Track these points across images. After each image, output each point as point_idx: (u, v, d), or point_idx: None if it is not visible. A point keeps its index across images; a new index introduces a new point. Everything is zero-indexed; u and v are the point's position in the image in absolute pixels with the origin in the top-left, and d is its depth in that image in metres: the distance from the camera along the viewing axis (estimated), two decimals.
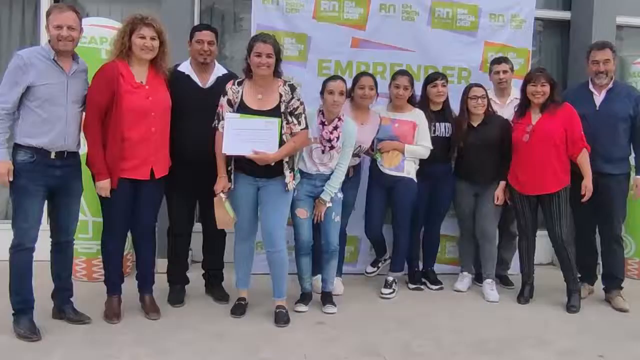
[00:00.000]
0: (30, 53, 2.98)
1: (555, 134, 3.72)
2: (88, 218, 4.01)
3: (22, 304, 3.06)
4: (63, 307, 3.30)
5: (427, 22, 4.44)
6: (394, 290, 4.03)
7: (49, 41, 3.02)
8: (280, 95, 3.27)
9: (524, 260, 4.01)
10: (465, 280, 4.26)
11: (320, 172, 3.57)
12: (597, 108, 3.88)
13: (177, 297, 3.71)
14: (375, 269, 4.23)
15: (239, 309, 3.51)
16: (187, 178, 3.49)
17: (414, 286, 4.20)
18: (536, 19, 4.85)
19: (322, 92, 3.57)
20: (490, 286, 4.07)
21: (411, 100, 3.99)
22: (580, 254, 4.01)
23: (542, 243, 4.20)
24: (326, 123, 3.53)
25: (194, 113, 3.40)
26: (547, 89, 3.75)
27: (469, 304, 3.95)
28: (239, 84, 3.29)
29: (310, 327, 3.39)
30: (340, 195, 3.64)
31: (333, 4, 4.32)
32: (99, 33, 3.94)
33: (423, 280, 4.27)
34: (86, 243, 4.02)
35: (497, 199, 4.01)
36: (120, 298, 3.42)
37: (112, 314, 3.34)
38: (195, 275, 3.90)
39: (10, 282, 3.06)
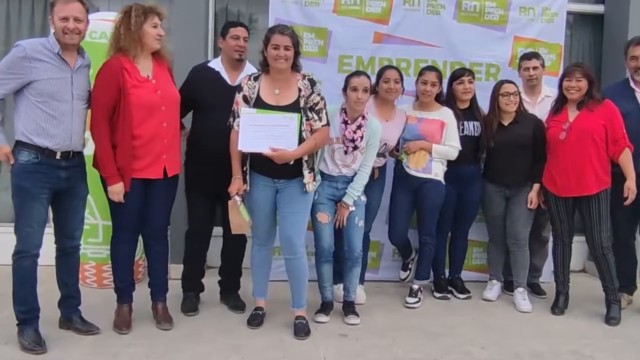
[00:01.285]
0: (32, 45, 2.78)
1: (594, 132, 3.49)
2: (98, 221, 3.84)
3: (27, 313, 2.90)
4: (70, 316, 3.12)
5: (454, 15, 4.22)
6: (420, 299, 3.82)
7: (54, 33, 2.83)
8: (299, 90, 3.08)
9: (558, 267, 3.78)
10: (494, 288, 4.03)
11: (342, 174, 3.38)
12: None
13: (191, 305, 3.53)
14: (408, 272, 4.04)
15: (256, 319, 3.32)
16: (209, 177, 3.33)
17: (440, 295, 3.98)
18: (568, 12, 4.62)
19: (344, 89, 3.38)
20: (522, 295, 3.84)
21: (439, 98, 3.79)
22: (619, 261, 3.74)
23: (574, 248, 3.90)
24: (349, 122, 3.33)
25: (220, 111, 3.23)
26: (582, 84, 3.53)
27: (500, 315, 3.72)
28: (255, 79, 3.10)
29: (332, 339, 3.19)
30: (363, 198, 3.44)
31: None
32: (100, 28, 3.76)
33: (450, 288, 4.05)
34: (96, 248, 3.86)
35: (531, 202, 3.77)
36: (131, 306, 3.24)
37: (122, 323, 3.16)
38: (211, 281, 3.72)
39: (14, 291, 2.89)
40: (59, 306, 3.15)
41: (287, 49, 2.98)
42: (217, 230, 3.71)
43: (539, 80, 4.02)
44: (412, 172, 3.69)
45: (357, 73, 3.44)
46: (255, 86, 3.07)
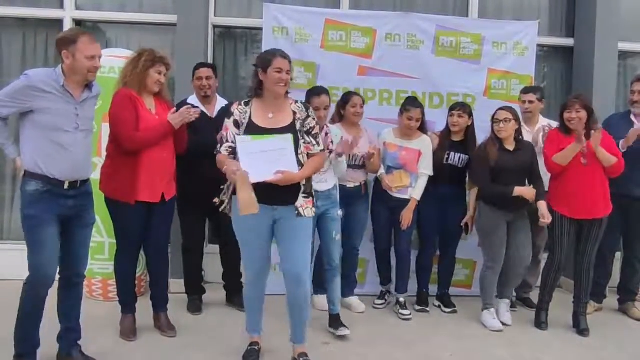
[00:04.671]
0: (38, 76, 2.79)
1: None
2: (105, 239, 4.17)
3: (26, 348, 2.87)
4: (70, 351, 3.04)
5: (432, 50, 4.58)
6: (410, 312, 4.11)
7: (62, 67, 2.84)
8: (294, 113, 3.01)
9: (547, 289, 3.95)
10: (494, 314, 3.98)
11: (317, 190, 3.46)
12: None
13: (196, 306, 4.04)
14: (383, 301, 4.33)
15: (252, 355, 3.20)
16: (201, 197, 3.62)
17: (419, 307, 4.26)
18: (541, 45, 5.00)
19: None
20: (506, 307, 4.08)
21: (421, 127, 4.12)
22: (597, 276, 4.08)
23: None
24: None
25: (204, 140, 3.57)
26: (582, 114, 3.76)
27: (476, 326, 4.01)
28: (246, 104, 3.02)
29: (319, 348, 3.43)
30: (340, 213, 3.72)
31: (340, 34, 4.49)
32: (118, 64, 4.14)
33: (438, 303, 4.33)
34: (102, 264, 4.18)
35: (545, 218, 3.76)
36: (134, 317, 3.55)
37: (128, 331, 3.48)
38: (208, 295, 4.05)
39: (18, 322, 2.85)
40: (58, 340, 3.06)
41: (288, 74, 2.96)
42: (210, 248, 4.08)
43: (535, 113, 4.31)
44: (393, 194, 4.07)
45: (317, 92, 3.75)
46: (246, 111, 2.98)
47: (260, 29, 4.53)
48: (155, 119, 3.38)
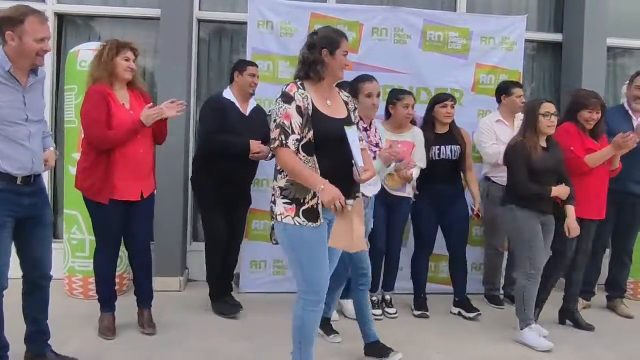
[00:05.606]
0: None
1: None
2: (85, 237, 4.07)
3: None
4: (43, 351, 2.91)
5: (419, 45, 4.54)
6: (397, 310, 4.04)
7: (3, 48, 2.56)
8: (346, 104, 2.73)
9: (547, 289, 3.76)
10: (538, 331, 3.60)
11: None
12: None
13: (229, 306, 3.90)
14: (381, 312, 4.00)
15: None
16: (224, 196, 3.78)
17: (419, 313, 4.05)
18: (529, 41, 4.98)
19: (355, 95, 3.28)
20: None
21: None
22: (586, 273, 4.06)
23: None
24: (369, 128, 3.45)
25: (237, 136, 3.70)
26: (599, 116, 3.71)
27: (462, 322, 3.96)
28: (302, 87, 2.56)
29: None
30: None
31: None
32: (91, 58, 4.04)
33: (458, 310, 4.08)
34: (83, 262, 4.08)
35: (572, 230, 3.55)
36: (114, 315, 3.48)
37: (107, 330, 3.40)
38: (194, 293, 3.97)
39: None
40: (26, 342, 2.90)
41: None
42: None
43: None
44: (393, 192, 3.84)
45: (369, 78, 3.42)
46: (307, 96, 2.53)
47: (246, 23, 4.46)
48: (130, 114, 3.27)
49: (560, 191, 3.50)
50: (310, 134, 2.49)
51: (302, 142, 2.49)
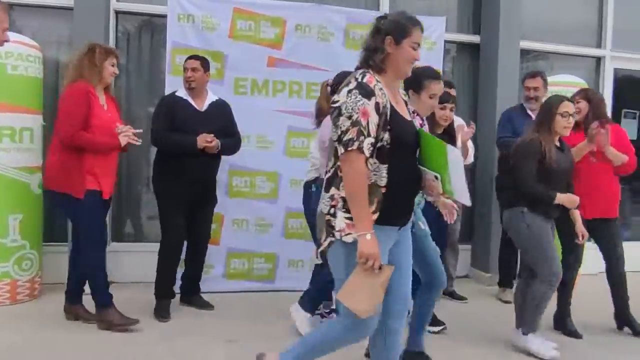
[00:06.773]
0: None
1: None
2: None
3: None
4: None
5: (342, 43, 4.57)
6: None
7: None
8: (406, 103, 2.35)
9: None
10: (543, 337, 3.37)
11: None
12: None
13: (166, 310, 3.75)
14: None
15: None
16: (185, 196, 3.72)
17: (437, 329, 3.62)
18: (449, 42, 5.14)
19: (417, 90, 2.92)
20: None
21: None
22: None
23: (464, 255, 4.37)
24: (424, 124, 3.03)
25: (192, 135, 3.63)
26: (582, 104, 3.60)
27: None
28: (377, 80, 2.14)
29: None
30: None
31: (249, 23, 4.38)
32: (4, 48, 3.81)
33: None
34: None
35: (580, 236, 3.38)
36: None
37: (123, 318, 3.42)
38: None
39: None
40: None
41: None
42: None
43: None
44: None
45: (437, 77, 2.94)
46: (384, 93, 2.11)
47: (166, 15, 4.32)
48: (108, 116, 3.39)
49: (564, 200, 3.21)
50: (387, 137, 2.08)
51: (377, 146, 2.08)
